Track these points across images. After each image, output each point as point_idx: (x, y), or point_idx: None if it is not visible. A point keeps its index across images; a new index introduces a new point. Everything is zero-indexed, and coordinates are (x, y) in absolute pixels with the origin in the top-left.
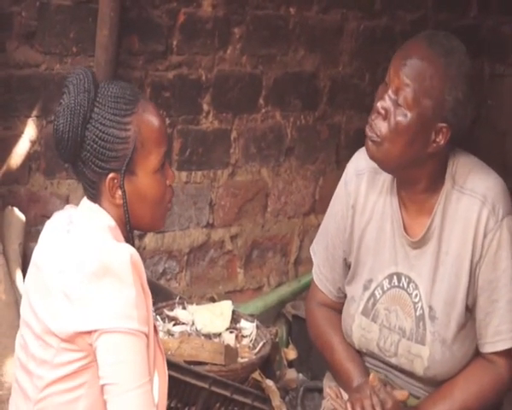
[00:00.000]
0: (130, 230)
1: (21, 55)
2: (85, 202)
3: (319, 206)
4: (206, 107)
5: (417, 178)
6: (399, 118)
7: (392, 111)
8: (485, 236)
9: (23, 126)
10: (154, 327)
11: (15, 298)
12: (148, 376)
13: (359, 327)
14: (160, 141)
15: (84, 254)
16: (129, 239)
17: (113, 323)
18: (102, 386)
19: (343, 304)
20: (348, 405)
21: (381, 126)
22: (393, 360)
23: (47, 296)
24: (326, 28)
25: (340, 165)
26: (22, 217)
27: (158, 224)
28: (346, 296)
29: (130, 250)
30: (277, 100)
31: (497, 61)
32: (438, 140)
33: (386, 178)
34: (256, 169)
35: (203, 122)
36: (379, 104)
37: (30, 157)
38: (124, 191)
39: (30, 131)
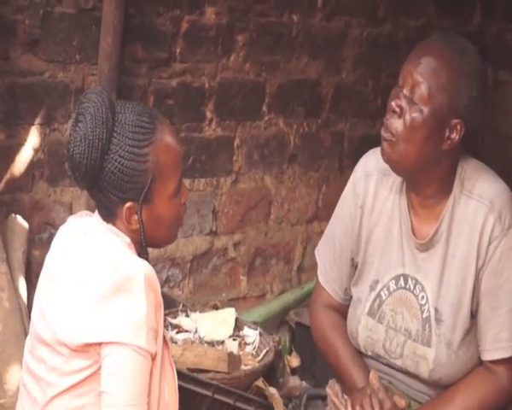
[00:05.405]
0: (146, 250)
1: (25, 63)
2: (99, 218)
3: (322, 213)
4: (209, 114)
5: (429, 180)
6: (415, 114)
7: (407, 109)
8: (489, 243)
9: (26, 134)
10: (166, 341)
11: (19, 306)
12: (145, 398)
13: (365, 328)
14: (177, 165)
15: (99, 268)
16: (142, 256)
17: (123, 337)
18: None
19: (348, 307)
20: (348, 403)
21: (396, 125)
22: (399, 362)
23: (59, 305)
24: (329, 35)
25: (344, 172)
26: (25, 225)
27: (171, 240)
28: (351, 298)
29: (144, 267)
30: (280, 107)
31: (500, 68)
32: (452, 137)
33: (395, 179)
34: (259, 176)
35: (206, 130)
36: (393, 103)
37: (33, 165)
38: (141, 220)
39: (33, 139)
